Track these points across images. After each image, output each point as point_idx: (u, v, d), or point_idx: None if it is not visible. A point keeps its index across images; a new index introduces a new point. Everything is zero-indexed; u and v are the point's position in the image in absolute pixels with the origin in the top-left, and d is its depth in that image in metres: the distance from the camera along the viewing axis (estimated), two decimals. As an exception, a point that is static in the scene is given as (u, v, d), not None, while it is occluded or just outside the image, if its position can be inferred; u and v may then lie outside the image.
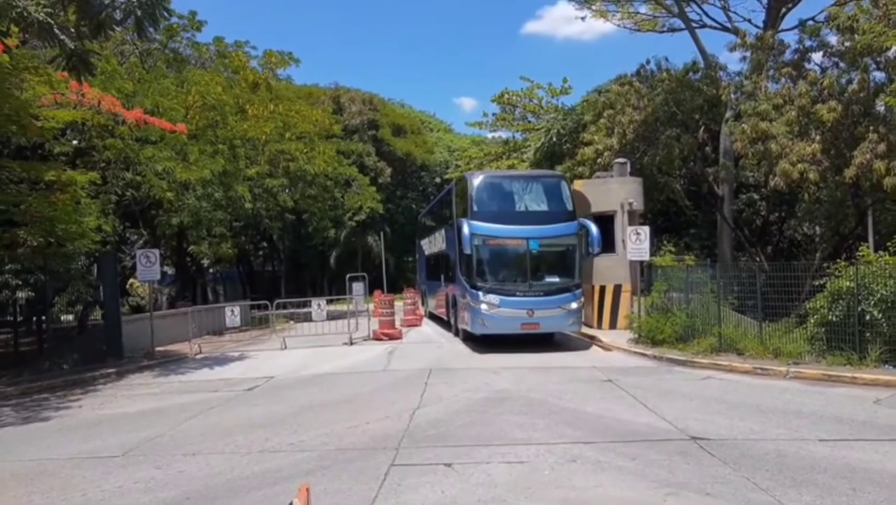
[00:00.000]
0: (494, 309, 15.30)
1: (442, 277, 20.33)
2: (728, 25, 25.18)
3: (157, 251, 17.43)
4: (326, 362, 15.00)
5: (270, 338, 19.77)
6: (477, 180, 16.73)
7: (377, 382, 12.19)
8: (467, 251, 15.61)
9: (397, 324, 20.59)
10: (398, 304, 23.24)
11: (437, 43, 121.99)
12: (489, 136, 43.26)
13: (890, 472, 6.33)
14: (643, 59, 25.64)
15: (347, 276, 22.81)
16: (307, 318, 20.25)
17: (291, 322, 23.12)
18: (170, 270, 33.02)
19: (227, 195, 22.52)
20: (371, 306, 21.39)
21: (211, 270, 41.37)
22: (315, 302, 19.40)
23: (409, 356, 15.60)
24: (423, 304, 26.75)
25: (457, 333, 18.14)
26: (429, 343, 18.09)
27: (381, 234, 33.77)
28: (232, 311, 19.64)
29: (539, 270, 15.92)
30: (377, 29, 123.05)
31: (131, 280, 30.03)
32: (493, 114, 35.73)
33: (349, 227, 39.29)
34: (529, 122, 35.24)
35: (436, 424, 8.74)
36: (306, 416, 9.55)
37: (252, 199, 24.49)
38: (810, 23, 20.82)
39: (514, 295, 15.41)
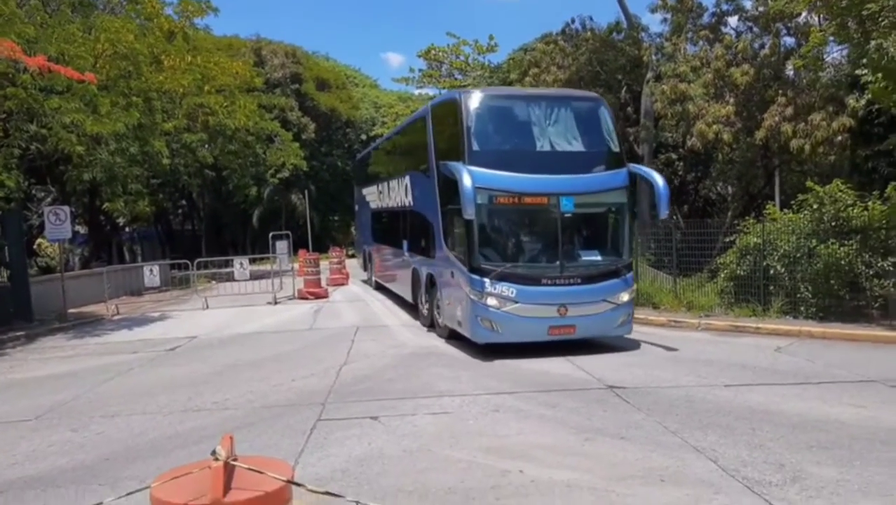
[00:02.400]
0: (509, 305, 9.84)
1: (404, 243, 14.77)
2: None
3: (67, 208, 16.59)
4: (250, 322, 14.79)
5: (192, 298, 19.29)
6: (474, 102, 10.63)
7: (303, 341, 12.14)
8: (468, 214, 9.55)
9: (323, 283, 20.43)
10: (324, 263, 23.03)
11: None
12: (416, 92, 42.91)
13: (786, 412, 6.83)
14: (569, 18, 25.75)
15: (271, 234, 22.35)
16: (230, 277, 19.86)
17: (213, 282, 22.59)
18: (82, 230, 31.54)
19: (144, 150, 21.47)
20: (296, 266, 21.13)
21: (127, 229, 39.79)
22: (237, 261, 19.03)
23: (335, 315, 15.55)
24: (365, 268, 22.36)
25: (430, 325, 12.66)
26: (356, 301, 18.06)
27: (306, 191, 33.21)
28: (151, 270, 19.03)
29: (573, 245, 10.62)
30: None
31: (39, 240, 28.57)
32: (420, 70, 35.50)
33: (272, 184, 38.36)
34: (456, 79, 35.10)
35: (363, 379, 8.82)
36: (230, 375, 9.44)
37: (170, 155, 23.45)
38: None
39: (537, 283, 9.98)
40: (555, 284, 10.04)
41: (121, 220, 33.19)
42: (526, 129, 10.82)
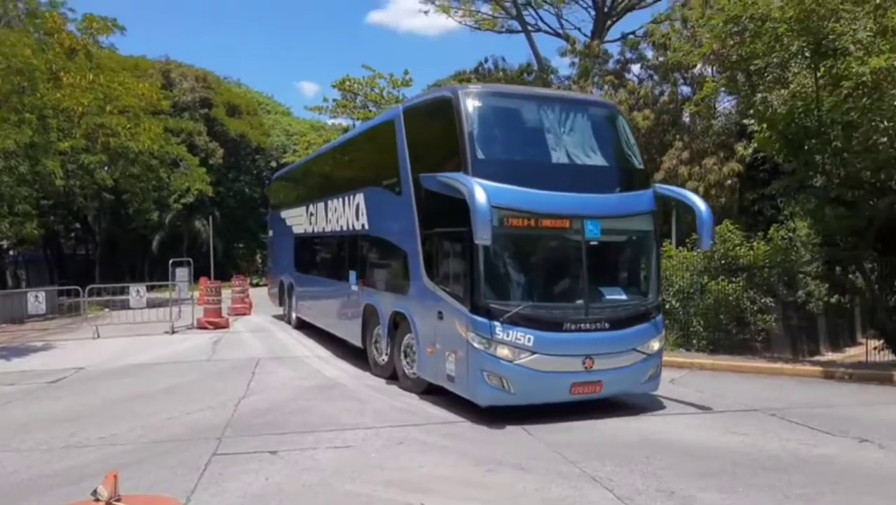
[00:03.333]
0: (526, 357, 7.78)
1: (351, 274, 12.06)
2: (560, 32, 26.84)
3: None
4: (145, 352, 14.05)
5: (82, 326, 18.16)
6: (476, 100, 8.66)
7: (200, 372, 11.63)
8: (483, 239, 7.36)
9: (224, 312, 19.74)
10: (226, 292, 22.30)
11: (279, 24, 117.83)
12: (329, 122, 42.66)
13: (678, 441, 7.12)
14: (482, 58, 26.51)
15: (171, 261, 21.43)
16: (125, 305, 18.84)
17: (107, 310, 21.38)
18: (-40, 252, 29.29)
19: (35, 170, 20.36)
20: (196, 294, 20.35)
21: (11, 253, 37.20)
22: (134, 288, 18.09)
23: (236, 345, 15.02)
24: (282, 302, 18.78)
25: (390, 377, 10.35)
26: (258, 332, 17.52)
27: (210, 218, 32.14)
28: (36, 297, 17.80)
29: (598, 280, 8.52)
30: (213, 3, 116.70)
31: None
32: (334, 100, 35.29)
33: (175, 210, 37.01)
34: (370, 110, 35.18)
35: (263, 412, 8.53)
36: (119, 408, 8.91)
37: (64, 176, 22.32)
38: (631, 36, 22.86)
39: (559, 329, 8.01)
40: (579, 330, 8.05)
41: (4, 243, 31.06)
42: (538, 137, 8.81)
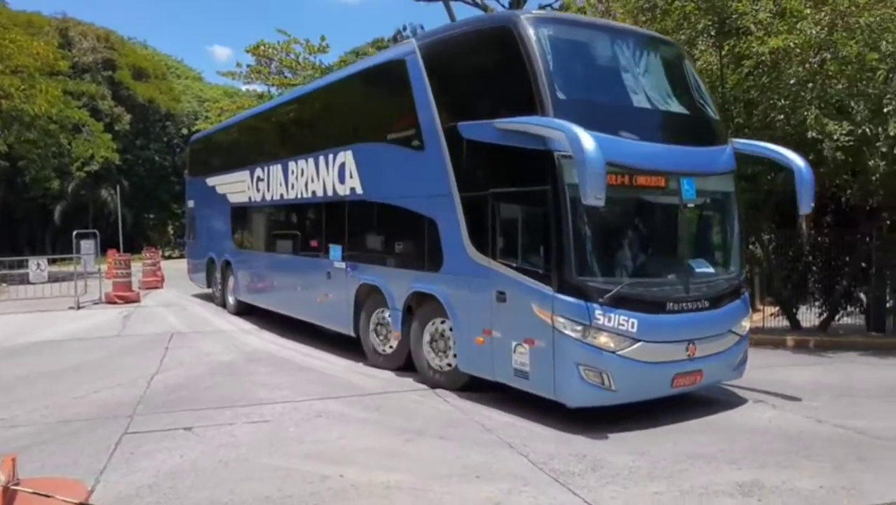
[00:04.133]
0: (629, 346, 6.49)
1: (335, 249, 10.30)
2: (478, 2, 26.74)
3: None
4: (48, 329, 13.38)
5: (-25, 302, 17.11)
6: (546, 28, 7.04)
7: (109, 348, 11.20)
8: (595, 199, 5.85)
9: (135, 286, 19.02)
10: (137, 265, 21.48)
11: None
12: (243, 88, 41.26)
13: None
14: (400, 25, 26.25)
15: (75, 232, 20.36)
16: (24, 280, 17.87)
17: (4, 285, 20.20)
18: None
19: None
20: (104, 267, 19.49)
21: None
22: (34, 261, 17.21)
23: (148, 320, 14.52)
24: (210, 283, 16.66)
25: (399, 367, 9.03)
26: (171, 306, 16.99)
27: (118, 187, 30.70)
28: (-77, 271, 16.63)
29: (691, 251, 7.43)
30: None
31: None
32: (248, 65, 34.07)
33: (78, 178, 35.17)
34: (286, 76, 34.19)
35: (176, 388, 8.32)
36: (21, 388, 8.48)
37: (-49, 141, 20.78)
38: (548, 9, 22.94)
39: (662, 310, 6.77)
40: (682, 311, 6.85)
41: None
42: (615, 76, 7.40)
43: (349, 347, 10.17)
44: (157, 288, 21.04)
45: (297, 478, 5.27)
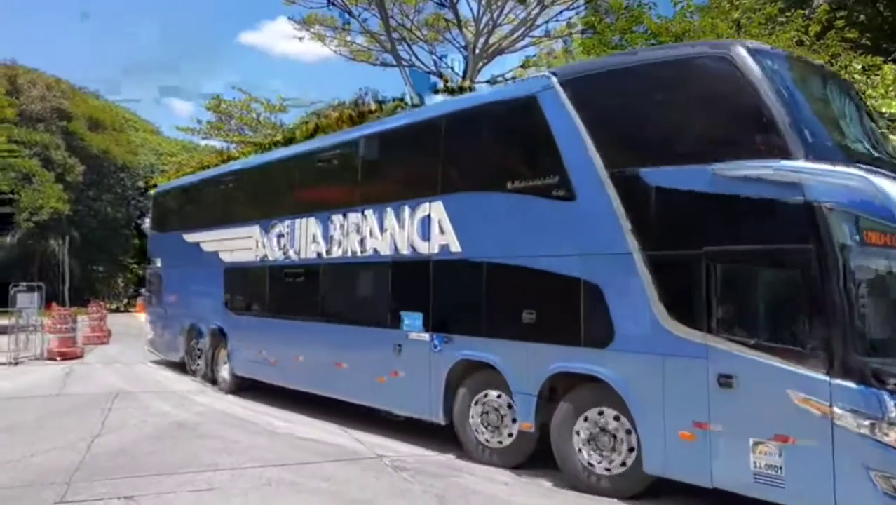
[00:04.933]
0: None
1: (408, 317, 8.66)
2: (434, 70, 27.68)
3: None
4: (-18, 386, 12.78)
5: None
6: (772, 61, 6.15)
7: (48, 408, 10.72)
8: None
9: (79, 342, 18.37)
10: (83, 318, 20.79)
11: (146, 36, 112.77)
12: (202, 143, 41.18)
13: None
14: (358, 87, 26.87)
15: (11, 285, 19.31)
16: (-43, 333, 17.11)
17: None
18: None
19: None
20: (46, 321, 18.80)
21: None
22: (-31, 313, 16.46)
23: (91, 378, 13.99)
24: (188, 355, 14.17)
25: (514, 465, 7.50)
26: (115, 363, 16.42)
27: (67, 238, 29.94)
28: None
29: None
30: (73, 9, 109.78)
31: None
32: (207, 121, 34.16)
33: (26, 228, 34.21)
34: (246, 134, 34.36)
35: (118, 453, 7.96)
36: (-52, 451, 8.02)
37: None
38: (500, 79, 23.93)
39: None
40: None
41: None
42: (836, 115, 6.59)
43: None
44: (102, 344, 20.36)
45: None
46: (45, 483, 6.72)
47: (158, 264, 16.25)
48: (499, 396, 7.58)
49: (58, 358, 16.57)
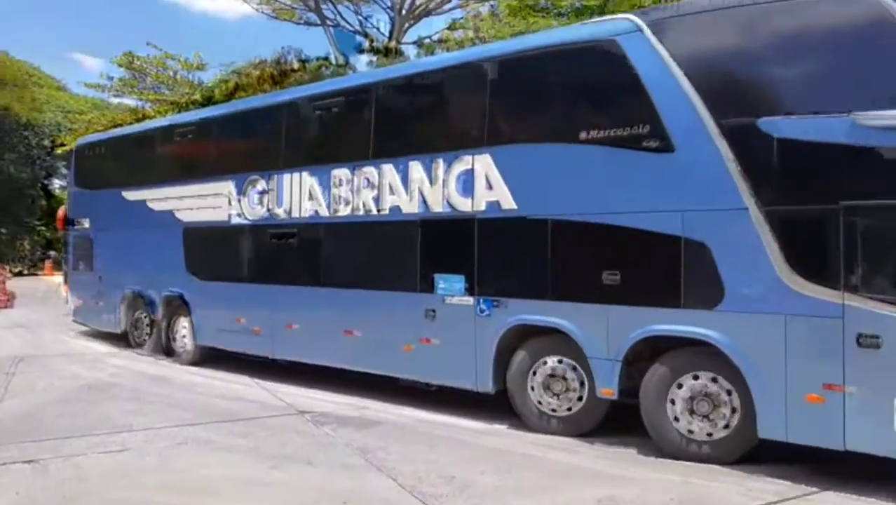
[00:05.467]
0: None
1: (445, 280, 7.96)
2: (359, 29, 27.21)
3: None
4: None
5: None
6: None
7: (-54, 374, 10.19)
8: None
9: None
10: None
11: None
12: (114, 101, 39.20)
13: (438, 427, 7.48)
14: (280, 46, 26.12)
15: None
16: None
17: None
18: None
19: None
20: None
21: None
22: None
23: (-8, 342, 13.35)
24: (131, 325, 12.87)
25: (579, 433, 7.05)
26: (20, 327, 15.69)
27: (-35, 199, 28.13)
28: None
29: None
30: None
31: None
32: (119, 78, 32.46)
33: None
34: (162, 92, 32.90)
35: (23, 417, 7.69)
36: None
37: None
38: (427, 40, 23.80)
39: None
40: None
41: None
42: None
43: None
44: (4, 308, 19.46)
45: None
46: (-59, 449, 6.41)
47: (86, 226, 14.24)
48: (560, 362, 7.11)
49: (-44, 324, 15.70)
